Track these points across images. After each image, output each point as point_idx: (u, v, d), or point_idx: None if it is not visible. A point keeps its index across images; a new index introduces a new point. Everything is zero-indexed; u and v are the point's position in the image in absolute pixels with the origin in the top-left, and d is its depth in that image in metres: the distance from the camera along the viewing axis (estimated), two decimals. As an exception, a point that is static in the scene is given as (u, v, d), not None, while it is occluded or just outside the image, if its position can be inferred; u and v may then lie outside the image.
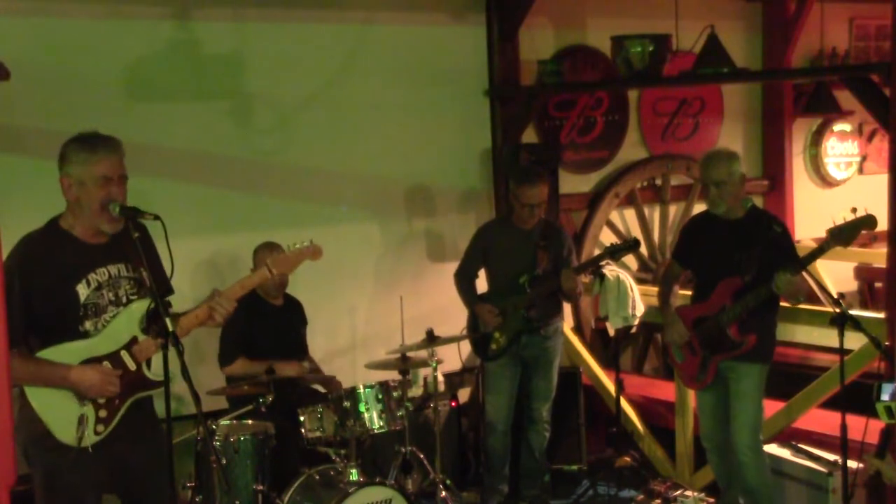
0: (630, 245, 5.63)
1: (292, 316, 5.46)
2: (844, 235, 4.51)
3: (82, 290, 3.50)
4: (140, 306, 3.57)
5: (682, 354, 5.07)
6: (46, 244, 3.53)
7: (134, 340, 3.55)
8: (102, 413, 3.49)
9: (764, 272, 4.67)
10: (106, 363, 3.49)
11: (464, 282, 5.71)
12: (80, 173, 3.48)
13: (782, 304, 4.92)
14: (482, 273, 5.75)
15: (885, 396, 3.76)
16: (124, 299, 3.58)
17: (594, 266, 5.74)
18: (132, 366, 3.54)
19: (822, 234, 4.67)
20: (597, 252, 6.82)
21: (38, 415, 3.44)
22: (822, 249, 4.63)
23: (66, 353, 3.45)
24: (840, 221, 4.50)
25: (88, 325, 3.51)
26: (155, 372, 3.60)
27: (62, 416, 3.44)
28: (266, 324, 5.25)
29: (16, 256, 3.47)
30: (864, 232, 4.57)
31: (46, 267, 3.48)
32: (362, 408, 4.86)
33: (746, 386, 4.87)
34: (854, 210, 4.45)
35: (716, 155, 4.98)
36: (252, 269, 5.25)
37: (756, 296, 4.70)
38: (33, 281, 3.44)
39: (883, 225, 4.89)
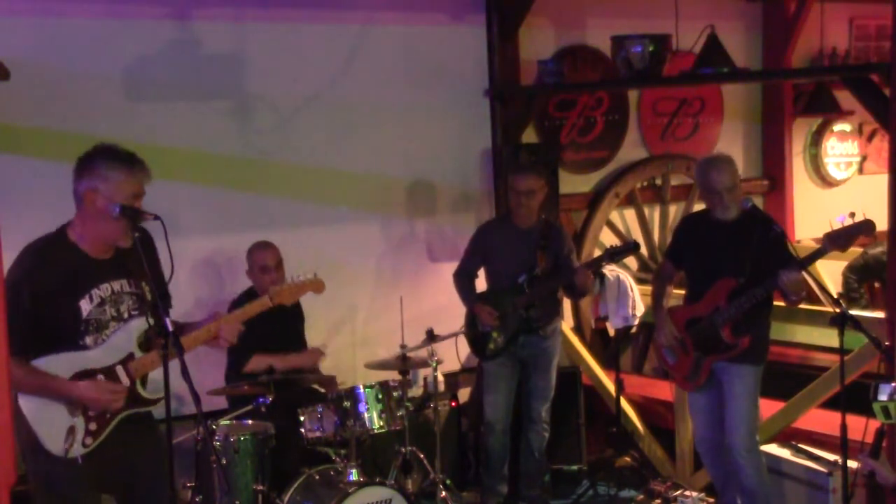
0: (630, 247, 5.63)
1: (289, 313, 5.44)
2: (841, 241, 4.50)
3: (85, 306, 3.49)
4: (140, 324, 3.57)
5: (675, 355, 5.07)
6: (53, 255, 3.50)
7: (130, 357, 3.54)
8: (92, 426, 3.48)
9: (759, 273, 4.66)
10: (100, 377, 3.48)
11: (463, 281, 5.71)
12: (113, 191, 3.43)
13: (782, 304, 4.92)
14: (482, 273, 5.76)
15: (882, 396, 3.75)
16: (126, 315, 3.58)
17: (593, 267, 5.75)
18: (126, 381, 3.53)
19: (822, 235, 4.66)
20: (597, 252, 6.83)
21: (29, 424, 3.42)
22: (819, 253, 4.63)
23: (60, 363, 3.44)
24: (836, 224, 4.50)
25: (89, 340, 3.50)
26: (149, 391, 3.60)
27: (52, 426, 3.43)
28: (264, 323, 5.22)
29: (22, 266, 3.44)
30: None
31: (51, 279, 3.46)
32: (362, 408, 4.87)
33: (741, 387, 4.86)
34: (852, 214, 4.45)
35: (719, 161, 4.92)
36: (246, 270, 5.28)
37: (751, 296, 4.69)
38: (37, 292, 3.42)
39: (883, 225, 4.89)
